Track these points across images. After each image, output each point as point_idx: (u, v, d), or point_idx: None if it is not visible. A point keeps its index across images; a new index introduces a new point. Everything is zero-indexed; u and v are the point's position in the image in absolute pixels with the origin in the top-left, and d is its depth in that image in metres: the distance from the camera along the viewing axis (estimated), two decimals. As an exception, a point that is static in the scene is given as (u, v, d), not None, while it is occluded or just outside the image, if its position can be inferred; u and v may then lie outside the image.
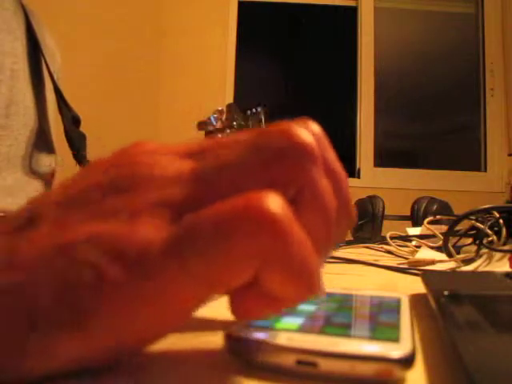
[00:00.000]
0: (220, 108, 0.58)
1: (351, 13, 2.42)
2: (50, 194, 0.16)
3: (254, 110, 0.58)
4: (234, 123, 0.56)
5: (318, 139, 0.16)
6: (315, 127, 0.17)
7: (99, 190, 0.15)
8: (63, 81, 0.66)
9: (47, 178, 0.57)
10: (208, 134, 0.58)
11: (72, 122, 0.59)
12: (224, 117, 0.57)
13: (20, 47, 0.54)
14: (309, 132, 0.15)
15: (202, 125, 0.58)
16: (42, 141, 0.56)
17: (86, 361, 0.14)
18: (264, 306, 0.15)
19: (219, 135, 0.56)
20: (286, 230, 0.13)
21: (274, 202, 0.13)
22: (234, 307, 0.15)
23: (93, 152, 0.58)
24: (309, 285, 0.14)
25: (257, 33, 2.47)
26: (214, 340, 0.19)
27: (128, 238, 0.13)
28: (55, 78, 0.59)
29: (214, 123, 0.56)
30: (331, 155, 0.17)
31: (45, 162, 0.57)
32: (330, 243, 0.16)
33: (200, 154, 0.16)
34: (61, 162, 0.60)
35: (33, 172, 0.54)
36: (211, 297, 0.14)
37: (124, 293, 0.13)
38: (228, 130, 0.56)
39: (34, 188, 0.54)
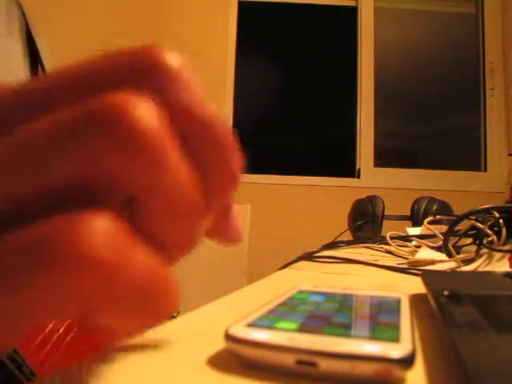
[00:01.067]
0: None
1: (351, 13, 2.42)
2: None
3: None
4: None
5: (173, 81, 0.12)
6: (169, 64, 0.12)
7: None
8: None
9: None
10: None
11: None
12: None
13: (20, 50, 0.54)
14: (149, 86, 0.12)
15: None
16: None
17: None
18: (107, 340, 0.12)
19: None
20: (111, 265, 0.10)
21: (96, 232, 0.10)
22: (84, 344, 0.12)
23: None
24: (158, 307, 0.11)
25: (257, 33, 2.47)
26: (214, 340, 0.19)
27: None
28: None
29: None
30: (193, 100, 0.13)
31: None
32: (192, 239, 0.13)
33: (4, 121, 0.12)
34: None
35: None
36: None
37: None
38: None
39: None
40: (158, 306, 0.11)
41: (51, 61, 0.63)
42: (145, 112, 0.11)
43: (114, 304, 0.11)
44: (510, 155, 2.20)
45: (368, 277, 0.46)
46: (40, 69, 0.58)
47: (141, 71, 0.12)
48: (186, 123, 0.12)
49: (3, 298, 0.10)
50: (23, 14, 0.57)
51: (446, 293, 0.25)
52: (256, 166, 2.16)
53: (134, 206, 0.12)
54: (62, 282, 0.10)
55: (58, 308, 0.10)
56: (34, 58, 0.57)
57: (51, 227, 0.10)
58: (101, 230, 0.10)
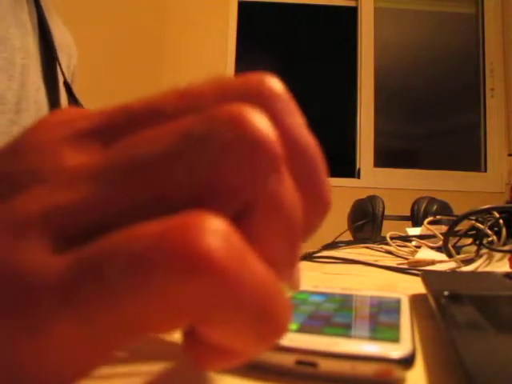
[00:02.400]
0: None
1: (351, 13, 2.42)
2: None
3: None
4: None
5: (281, 103, 0.12)
6: (277, 88, 0.12)
7: None
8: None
9: None
10: None
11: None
12: None
13: (31, 42, 0.53)
14: (260, 107, 0.12)
15: None
16: None
17: None
18: (221, 359, 0.11)
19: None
20: (234, 271, 0.09)
21: (215, 233, 0.09)
22: (186, 353, 0.12)
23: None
24: (274, 328, 0.10)
25: (257, 33, 2.47)
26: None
27: (11, 268, 0.10)
28: (65, 72, 0.59)
29: None
30: (298, 123, 0.13)
31: None
32: (294, 260, 0.12)
33: (112, 132, 0.12)
34: None
35: None
36: (122, 346, 0.11)
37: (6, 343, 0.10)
38: None
39: None
40: (273, 325, 0.10)
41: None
42: (264, 122, 0.11)
43: (229, 315, 0.10)
44: (510, 155, 2.20)
45: (368, 277, 0.46)
46: (55, 62, 0.57)
47: (251, 92, 0.12)
48: (289, 145, 0.12)
49: (106, 310, 0.09)
50: (37, 7, 0.56)
51: (446, 293, 0.25)
52: (256, 166, 2.16)
53: (246, 219, 0.11)
54: (173, 287, 0.09)
55: (162, 314, 0.09)
56: (47, 50, 0.56)
57: (163, 226, 0.09)
58: (219, 226, 0.10)
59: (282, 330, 0.11)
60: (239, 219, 0.11)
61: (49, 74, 0.56)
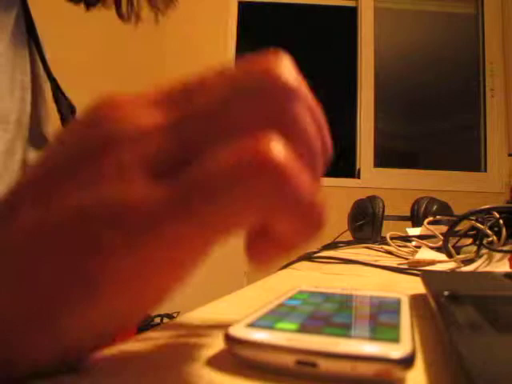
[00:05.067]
0: None
1: (351, 13, 2.42)
2: (25, 175, 0.15)
3: None
4: None
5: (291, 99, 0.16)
6: (289, 62, 0.16)
7: (75, 158, 0.14)
8: (59, 70, 0.65)
9: None
10: None
11: (69, 111, 0.58)
12: None
13: (25, 54, 0.53)
14: (289, 67, 0.15)
15: None
16: (35, 135, 0.56)
17: (98, 330, 0.14)
18: (278, 248, 0.15)
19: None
20: (291, 173, 0.13)
21: (276, 146, 0.13)
22: (249, 253, 0.15)
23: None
24: (317, 221, 0.14)
25: (257, 33, 2.47)
26: (214, 340, 0.19)
27: (123, 203, 0.13)
28: (49, 65, 0.58)
29: None
30: (306, 91, 0.17)
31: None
32: (318, 176, 0.16)
33: (172, 102, 0.15)
34: None
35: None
36: (218, 241, 0.14)
37: (134, 259, 0.13)
38: None
39: None
40: (318, 217, 0.14)
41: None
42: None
43: (292, 204, 0.13)
44: (510, 155, 2.20)
45: (368, 277, 0.46)
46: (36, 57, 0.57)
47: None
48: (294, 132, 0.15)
49: (216, 213, 0.13)
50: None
51: (446, 293, 0.25)
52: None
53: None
54: (257, 185, 0.12)
55: (250, 210, 0.13)
56: (32, 48, 0.56)
57: (241, 145, 0.13)
58: (277, 142, 0.13)
59: (322, 223, 0.14)
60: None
61: (31, 69, 0.55)
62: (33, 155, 0.56)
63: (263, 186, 0.13)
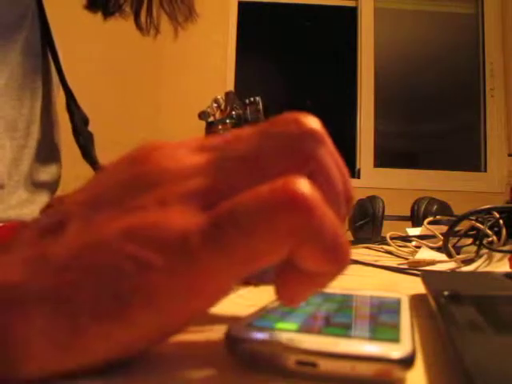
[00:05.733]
0: (219, 96, 0.59)
1: (351, 13, 2.42)
2: (74, 195, 0.17)
3: (252, 99, 0.58)
4: (233, 112, 0.56)
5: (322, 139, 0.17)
6: (315, 120, 0.17)
7: (124, 188, 0.15)
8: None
9: (53, 188, 0.56)
10: (209, 125, 0.59)
11: (82, 122, 0.58)
12: (223, 105, 0.57)
13: (39, 63, 0.53)
14: (314, 119, 0.17)
15: (202, 115, 0.59)
16: (48, 150, 0.55)
17: (124, 350, 0.14)
18: (306, 285, 0.16)
19: (220, 127, 0.57)
20: (318, 208, 0.14)
21: (304, 184, 0.14)
22: (280, 293, 0.16)
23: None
24: (342, 256, 0.15)
25: (257, 33, 2.47)
26: (214, 339, 0.19)
27: (164, 227, 0.14)
28: (65, 75, 0.58)
29: (214, 109, 0.57)
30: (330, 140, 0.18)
31: (52, 170, 0.55)
32: (342, 220, 0.17)
33: (212, 148, 0.16)
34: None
35: (39, 183, 0.53)
36: (247, 274, 0.15)
37: (168, 281, 0.13)
38: (228, 121, 0.56)
39: (42, 200, 0.53)
40: (344, 253, 0.15)
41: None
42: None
43: (319, 239, 0.14)
44: (510, 155, 2.20)
45: (368, 277, 0.46)
46: (51, 68, 0.57)
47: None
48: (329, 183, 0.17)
49: (244, 245, 0.14)
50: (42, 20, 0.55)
51: (446, 293, 0.25)
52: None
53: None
54: (287, 220, 0.14)
55: (280, 244, 0.14)
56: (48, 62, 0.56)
57: (271, 185, 0.14)
58: (306, 182, 0.14)
59: (347, 259, 0.15)
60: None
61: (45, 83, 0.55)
62: (51, 168, 0.55)
63: (292, 220, 0.14)
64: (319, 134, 0.16)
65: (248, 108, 0.57)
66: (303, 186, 0.14)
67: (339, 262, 0.15)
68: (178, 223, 0.14)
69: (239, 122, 0.58)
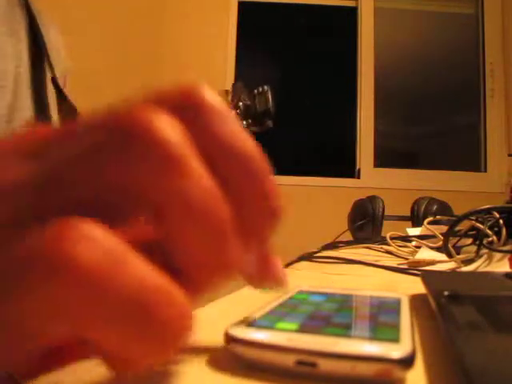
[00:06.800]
0: (226, 89, 0.58)
1: (351, 13, 2.42)
2: None
3: (260, 90, 0.57)
4: (240, 103, 0.56)
5: (211, 113, 0.12)
6: (201, 96, 0.13)
7: None
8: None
9: None
10: None
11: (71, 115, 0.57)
12: (229, 97, 0.57)
13: (24, 49, 0.53)
14: (176, 113, 0.12)
15: None
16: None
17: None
18: (120, 366, 0.11)
19: None
20: (100, 276, 0.10)
21: (84, 240, 0.10)
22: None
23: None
24: (158, 336, 0.10)
25: (257, 33, 2.47)
26: (214, 340, 0.19)
27: None
28: (61, 80, 0.58)
29: None
30: (229, 130, 0.13)
31: None
32: (224, 260, 0.12)
33: (45, 148, 0.12)
34: None
35: None
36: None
37: None
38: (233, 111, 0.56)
39: None
40: (160, 327, 0.10)
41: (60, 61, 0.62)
42: (164, 125, 0.11)
43: (106, 318, 0.10)
44: (510, 155, 2.20)
45: (368, 277, 0.46)
46: (47, 67, 0.57)
47: (182, 103, 0.12)
48: (221, 155, 0.12)
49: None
50: (29, 12, 0.55)
51: (446, 293, 0.25)
52: (256, 166, 2.15)
53: (161, 221, 0.11)
54: (47, 292, 0.09)
55: (48, 323, 0.10)
56: (38, 55, 0.56)
57: (42, 235, 0.10)
58: (86, 235, 0.10)
59: (168, 335, 0.10)
60: (158, 220, 0.11)
61: (38, 80, 0.55)
62: None
63: (60, 292, 0.10)
64: (167, 150, 0.11)
65: (256, 98, 0.57)
66: (80, 243, 0.10)
67: (155, 343, 0.10)
68: None
69: (247, 113, 0.57)
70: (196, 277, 0.12)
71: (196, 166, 0.11)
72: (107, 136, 0.11)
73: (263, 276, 0.17)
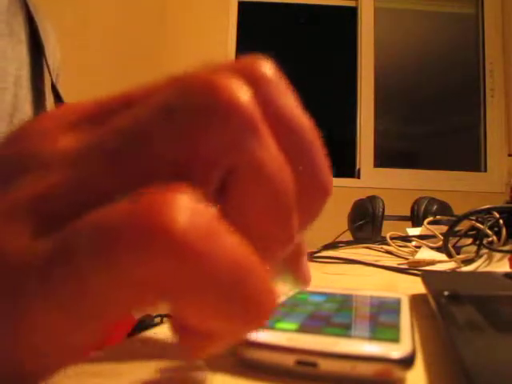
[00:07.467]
0: None
1: (351, 13, 2.42)
2: None
3: None
4: None
5: (272, 85, 0.12)
6: (265, 69, 0.12)
7: None
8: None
9: None
10: None
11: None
12: None
13: (24, 51, 0.53)
14: (247, 83, 0.11)
15: None
16: None
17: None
18: (202, 344, 0.11)
19: None
20: (198, 248, 0.09)
21: (182, 209, 0.09)
22: (180, 344, 0.12)
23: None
24: (250, 310, 0.10)
25: (257, 33, 2.47)
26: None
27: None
28: (54, 77, 0.58)
29: None
30: (290, 104, 0.13)
31: None
32: (287, 235, 0.12)
33: (103, 116, 0.12)
34: None
35: None
36: (97, 333, 0.10)
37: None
38: None
39: None
40: (249, 307, 0.10)
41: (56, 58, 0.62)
42: (239, 88, 0.11)
43: (198, 295, 0.09)
44: (510, 155, 2.20)
45: (368, 277, 0.46)
46: (46, 67, 0.57)
47: (244, 72, 0.12)
48: (281, 124, 0.12)
49: (74, 295, 0.09)
50: (28, 12, 0.55)
51: (446, 293, 0.25)
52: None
53: (231, 187, 0.11)
54: (137, 265, 0.09)
55: (137, 296, 0.09)
56: (36, 55, 0.56)
57: (131, 203, 0.09)
58: (186, 206, 0.09)
59: (259, 311, 0.10)
60: (225, 189, 0.11)
61: (38, 81, 0.55)
62: None
63: (152, 264, 0.09)
64: (243, 113, 0.11)
65: None
66: (174, 212, 0.09)
67: (246, 318, 0.10)
68: (12, 249, 0.10)
69: None
70: (258, 250, 0.11)
71: (270, 135, 0.11)
72: (181, 98, 0.11)
73: (294, 270, 0.16)
